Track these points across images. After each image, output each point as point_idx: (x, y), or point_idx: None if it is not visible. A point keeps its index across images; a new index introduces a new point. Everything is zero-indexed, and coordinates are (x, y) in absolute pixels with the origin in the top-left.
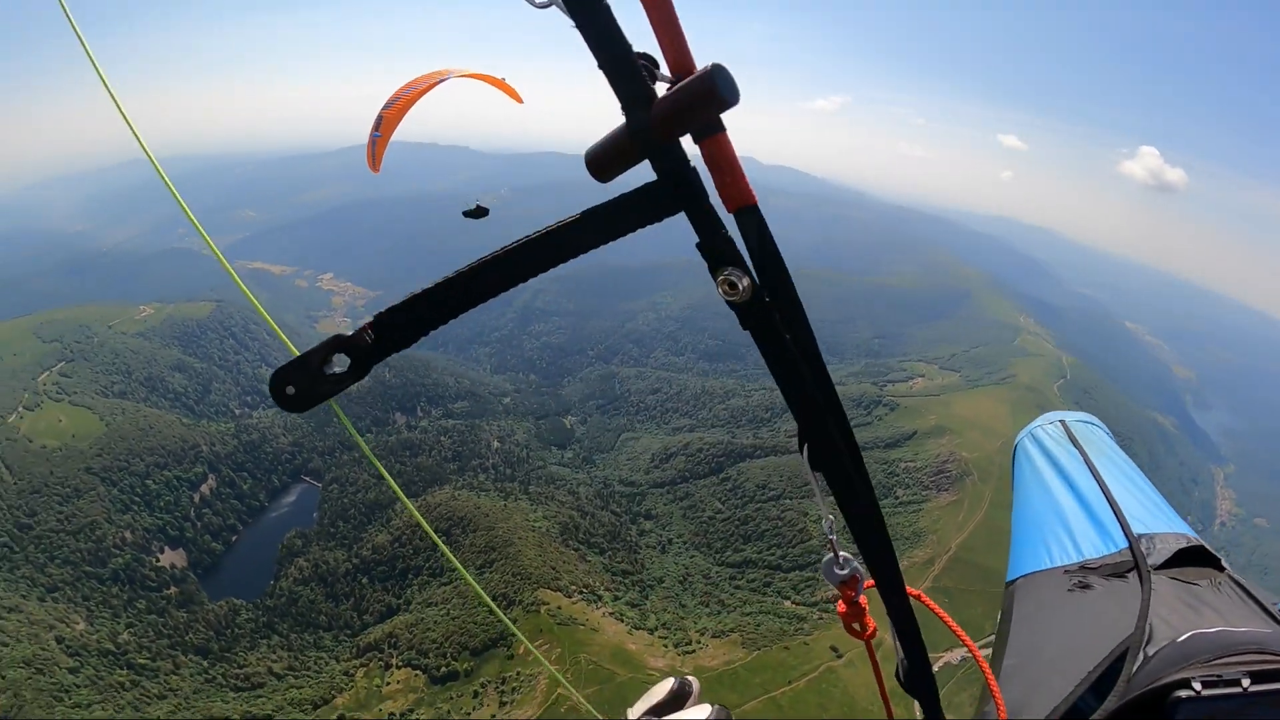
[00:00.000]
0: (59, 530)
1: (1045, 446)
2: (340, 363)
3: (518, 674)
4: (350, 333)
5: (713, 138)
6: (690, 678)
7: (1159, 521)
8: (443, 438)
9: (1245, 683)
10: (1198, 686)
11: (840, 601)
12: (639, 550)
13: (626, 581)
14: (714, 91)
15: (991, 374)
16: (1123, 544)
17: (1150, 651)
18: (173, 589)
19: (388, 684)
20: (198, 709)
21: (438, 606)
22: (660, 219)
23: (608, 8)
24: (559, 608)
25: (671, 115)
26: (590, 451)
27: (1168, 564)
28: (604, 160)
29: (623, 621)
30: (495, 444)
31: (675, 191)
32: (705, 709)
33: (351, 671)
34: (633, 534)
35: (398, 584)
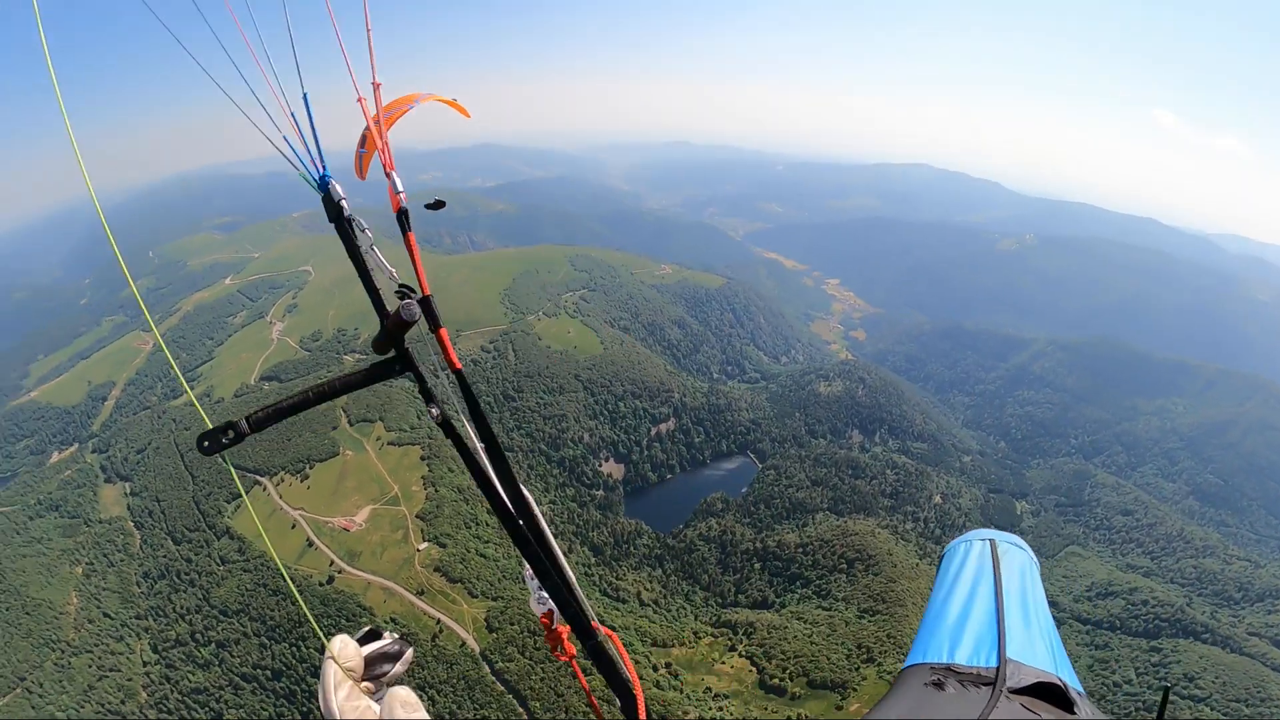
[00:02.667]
0: (534, 410)
1: (966, 559)
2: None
3: None
4: (240, 420)
5: (437, 330)
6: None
7: (1036, 655)
8: (889, 470)
9: None
10: None
11: (546, 630)
12: None
13: None
14: (400, 317)
15: None
16: (994, 662)
17: None
18: (600, 492)
19: (721, 663)
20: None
21: (805, 623)
22: (391, 378)
23: (364, 258)
24: None
25: (394, 326)
26: None
27: (1025, 691)
28: (377, 346)
29: None
30: (937, 499)
31: (404, 364)
32: (390, 635)
33: (700, 634)
34: None
35: (783, 585)
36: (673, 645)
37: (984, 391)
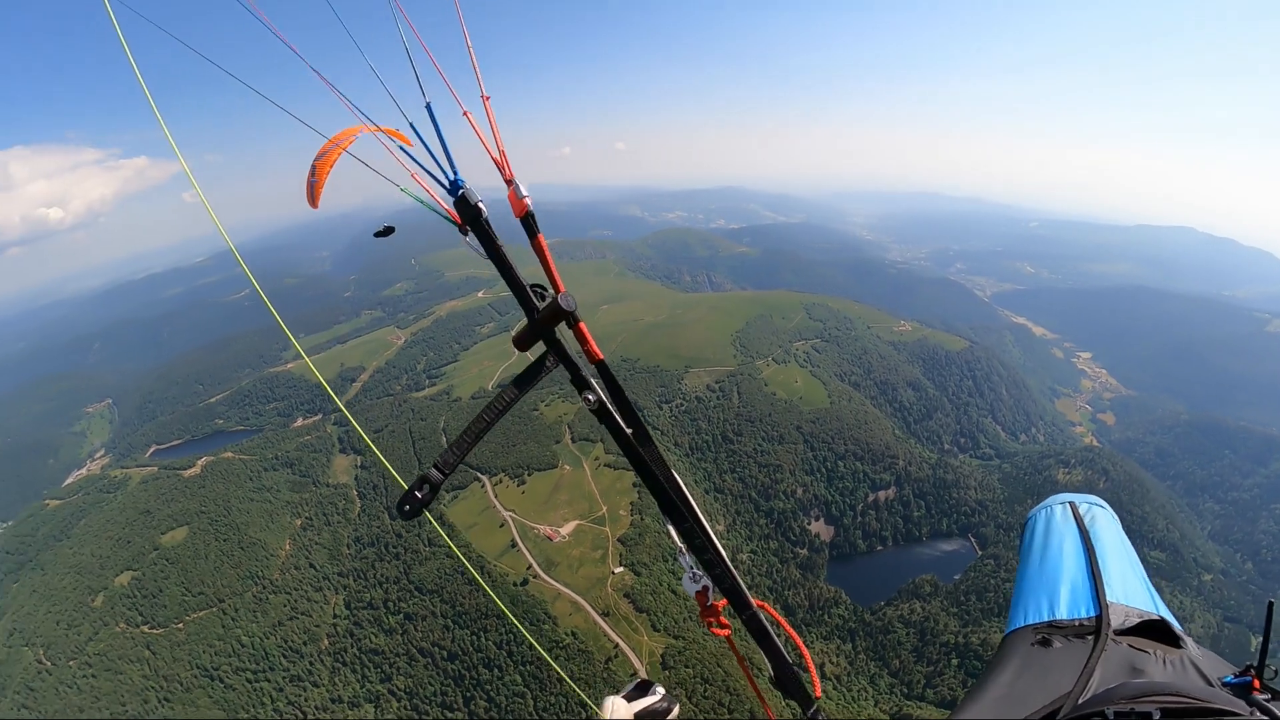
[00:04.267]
0: (750, 455)
1: (1051, 522)
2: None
3: None
4: (432, 471)
5: (578, 324)
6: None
7: (1135, 597)
8: None
9: (1155, 715)
10: (1111, 715)
11: (701, 608)
12: None
13: None
14: (557, 306)
15: None
16: (1095, 611)
17: (1084, 698)
18: (804, 551)
19: None
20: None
21: None
22: (547, 373)
23: (507, 257)
24: None
25: (547, 317)
26: None
27: (1130, 633)
28: (520, 341)
29: None
30: None
31: (556, 355)
32: (660, 691)
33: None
34: None
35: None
36: None
37: (1237, 500)
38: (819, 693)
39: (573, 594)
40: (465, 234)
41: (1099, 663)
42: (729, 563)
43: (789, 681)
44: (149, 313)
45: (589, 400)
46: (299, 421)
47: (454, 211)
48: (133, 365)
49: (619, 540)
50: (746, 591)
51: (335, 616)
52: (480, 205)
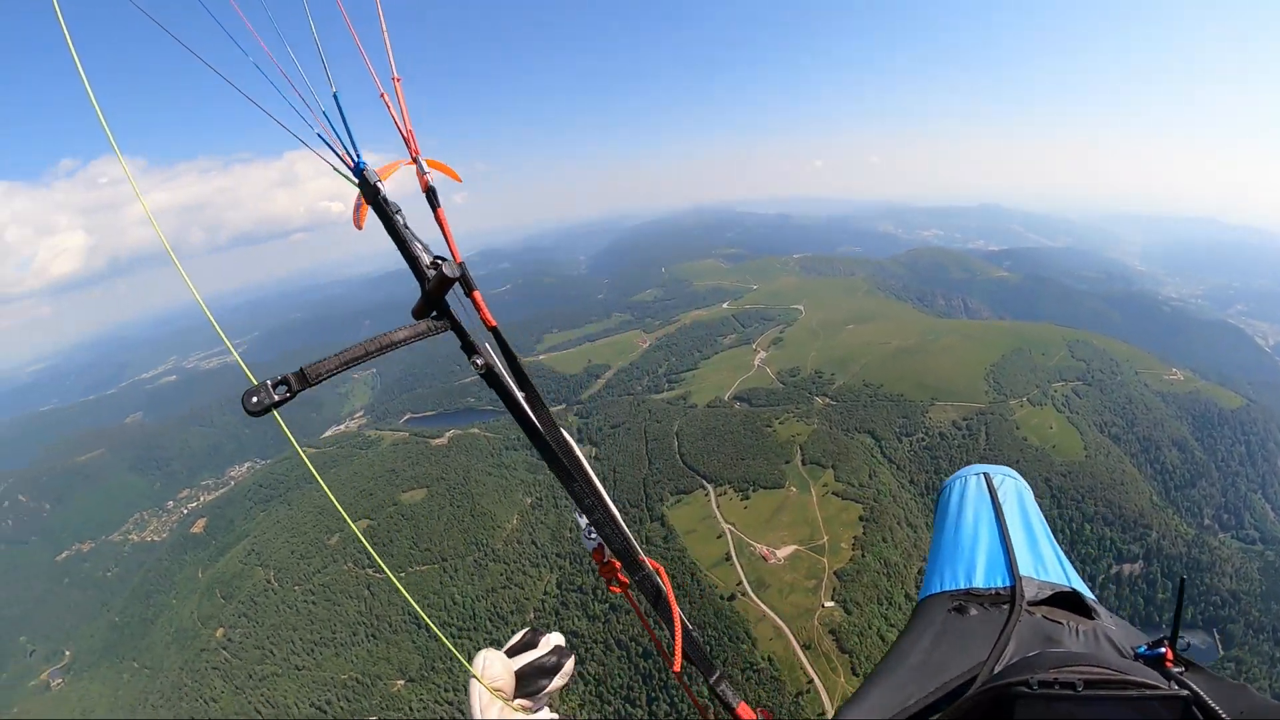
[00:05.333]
0: None
1: (965, 492)
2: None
3: None
4: (294, 375)
5: (472, 292)
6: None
7: (1047, 570)
8: None
9: (1079, 686)
10: (1034, 685)
11: (599, 565)
12: None
13: None
14: (443, 274)
15: None
16: (1009, 582)
17: (1000, 667)
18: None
19: None
20: None
21: None
22: (438, 334)
23: (404, 231)
24: None
25: (436, 286)
26: None
27: (1043, 604)
28: (417, 312)
29: None
30: None
31: (444, 322)
32: (550, 641)
33: None
34: None
35: None
36: None
37: None
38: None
39: (778, 619)
40: (369, 205)
41: (1014, 632)
42: (621, 524)
43: (690, 647)
44: (415, 298)
45: (477, 364)
46: None
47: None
48: None
49: (835, 573)
50: (641, 553)
51: (545, 594)
52: (379, 184)
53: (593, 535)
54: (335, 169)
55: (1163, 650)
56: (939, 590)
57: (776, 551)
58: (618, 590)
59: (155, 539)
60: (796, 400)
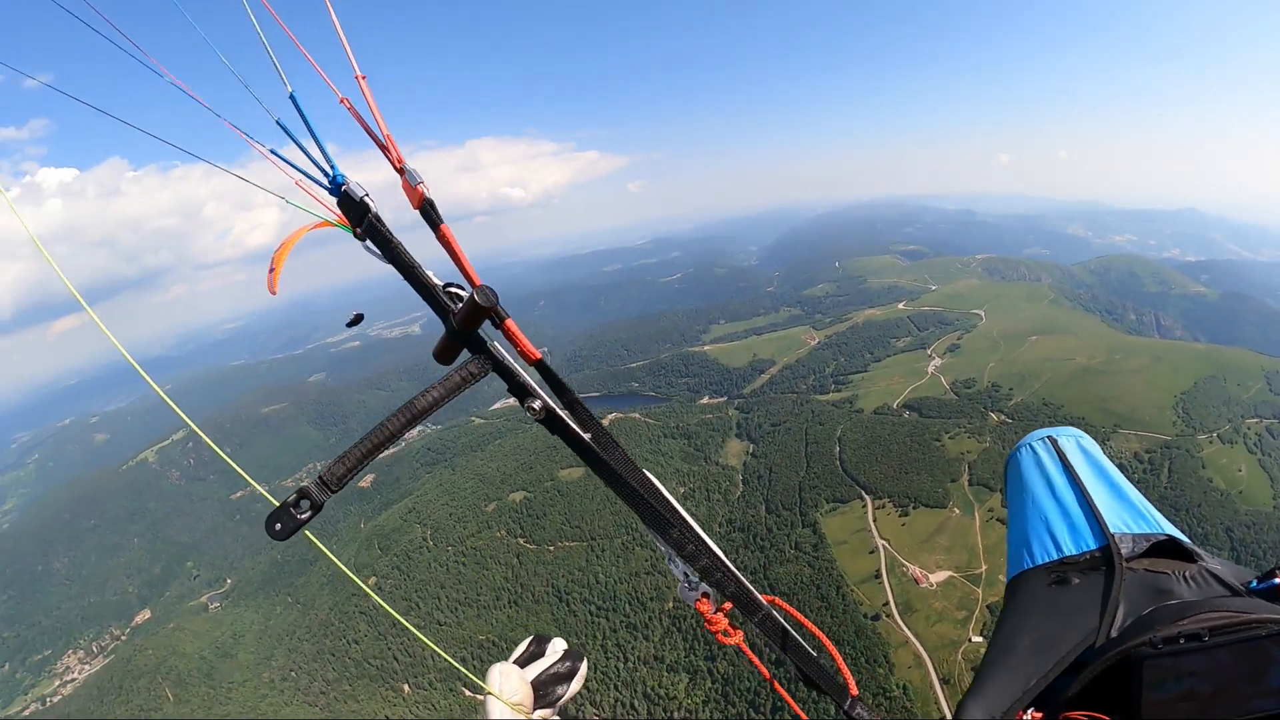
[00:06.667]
0: None
1: (1033, 460)
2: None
3: None
4: (312, 487)
5: (504, 322)
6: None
7: (1137, 522)
8: None
9: (1205, 635)
10: (1160, 645)
11: (705, 620)
12: None
13: None
14: (475, 305)
15: None
16: (1100, 542)
17: (1115, 631)
18: None
19: None
20: None
21: None
22: (479, 379)
23: (409, 256)
24: None
25: (465, 320)
26: None
27: (1143, 556)
28: (440, 353)
29: None
30: None
31: (482, 361)
32: (559, 648)
33: None
34: None
35: None
36: None
37: None
38: (854, 690)
39: (920, 647)
40: (363, 240)
41: (1121, 592)
42: (730, 565)
43: (821, 677)
44: (589, 282)
45: (534, 409)
46: (705, 400)
47: (342, 215)
48: (569, 324)
49: (988, 607)
50: (754, 591)
51: None
52: (367, 200)
53: (695, 584)
54: (304, 188)
55: (1276, 580)
56: (1030, 566)
57: (930, 576)
58: (730, 642)
59: None
60: (970, 414)
